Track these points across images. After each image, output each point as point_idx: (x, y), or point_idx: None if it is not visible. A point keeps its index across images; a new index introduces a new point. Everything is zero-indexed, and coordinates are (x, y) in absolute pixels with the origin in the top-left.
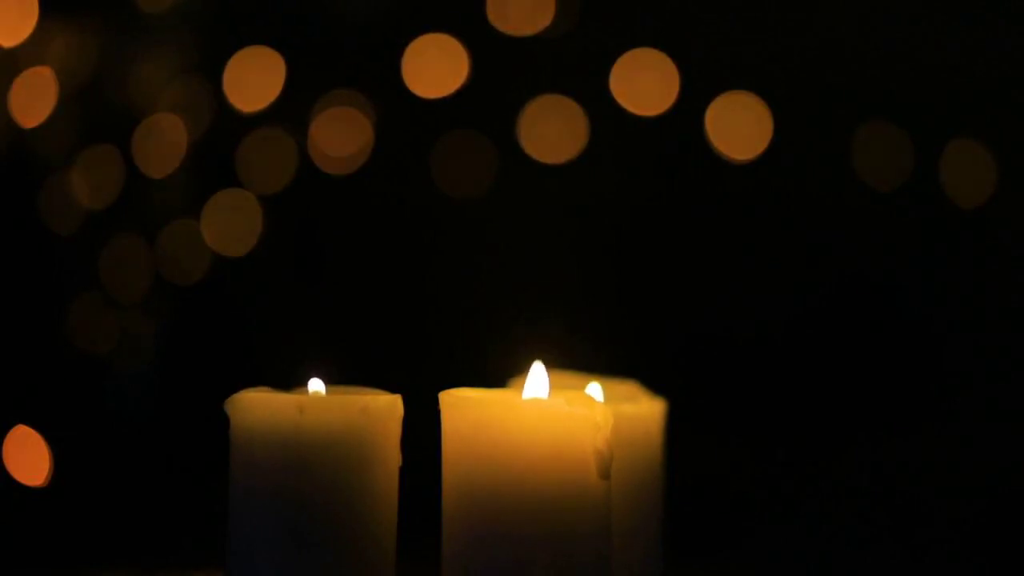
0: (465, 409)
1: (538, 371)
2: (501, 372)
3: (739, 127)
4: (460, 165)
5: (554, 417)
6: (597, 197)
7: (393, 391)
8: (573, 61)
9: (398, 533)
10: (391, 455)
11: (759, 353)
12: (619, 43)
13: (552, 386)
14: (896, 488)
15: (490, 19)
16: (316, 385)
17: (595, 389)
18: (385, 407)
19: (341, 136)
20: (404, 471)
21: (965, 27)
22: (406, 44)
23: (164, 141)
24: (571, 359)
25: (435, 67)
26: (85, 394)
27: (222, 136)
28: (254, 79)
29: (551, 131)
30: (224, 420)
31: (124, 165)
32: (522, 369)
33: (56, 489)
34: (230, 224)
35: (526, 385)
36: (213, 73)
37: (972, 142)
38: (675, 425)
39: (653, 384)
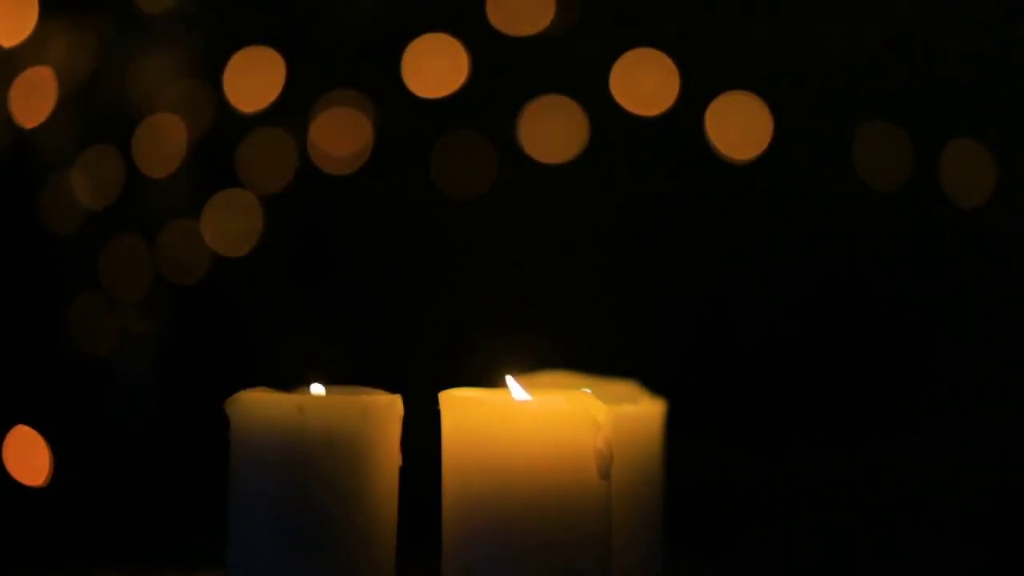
0: (465, 409)
1: (512, 384)
2: (501, 372)
3: (739, 127)
4: (460, 165)
5: (554, 417)
6: (597, 197)
7: (393, 391)
8: (573, 61)
9: (398, 533)
10: (391, 455)
11: (759, 353)
12: (619, 43)
13: (550, 386)
14: (896, 488)
15: (490, 19)
16: (317, 389)
17: (595, 389)
18: (385, 407)
19: (341, 136)
20: (404, 471)
21: (965, 27)
22: (406, 44)
23: (164, 141)
24: (570, 359)
25: (435, 67)
26: (85, 394)
27: (222, 136)
28: (254, 79)
29: (551, 131)
30: (224, 420)
31: (124, 165)
32: (522, 369)
33: (56, 489)
34: (230, 224)
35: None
36: (213, 73)
37: (972, 142)
38: (675, 425)
39: (653, 384)
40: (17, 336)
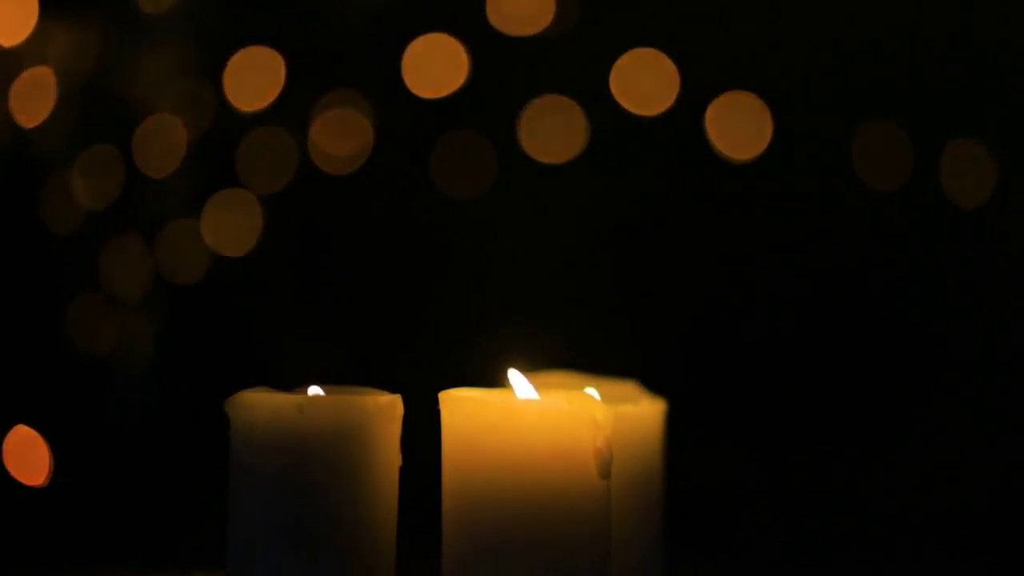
0: (465, 409)
1: (516, 377)
2: (500, 372)
3: (739, 127)
4: (460, 165)
5: (554, 417)
6: (597, 197)
7: (393, 391)
8: (573, 61)
9: (398, 533)
10: (391, 455)
11: (759, 353)
12: (619, 43)
13: (550, 386)
14: (895, 488)
15: (490, 19)
16: (314, 391)
17: (594, 389)
18: (385, 407)
19: (341, 136)
20: (404, 471)
21: (966, 27)
22: (406, 44)
23: (164, 141)
24: (570, 359)
25: (435, 67)
26: (85, 394)
27: (222, 136)
28: (254, 79)
29: (551, 131)
30: (224, 420)
31: (124, 165)
32: (522, 369)
33: (56, 489)
34: (230, 224)
35: (514, 390)
36: (213, 73)
37: (972, 142)
38: (675, 425)
39: (653, 384)
40: (17, 336)
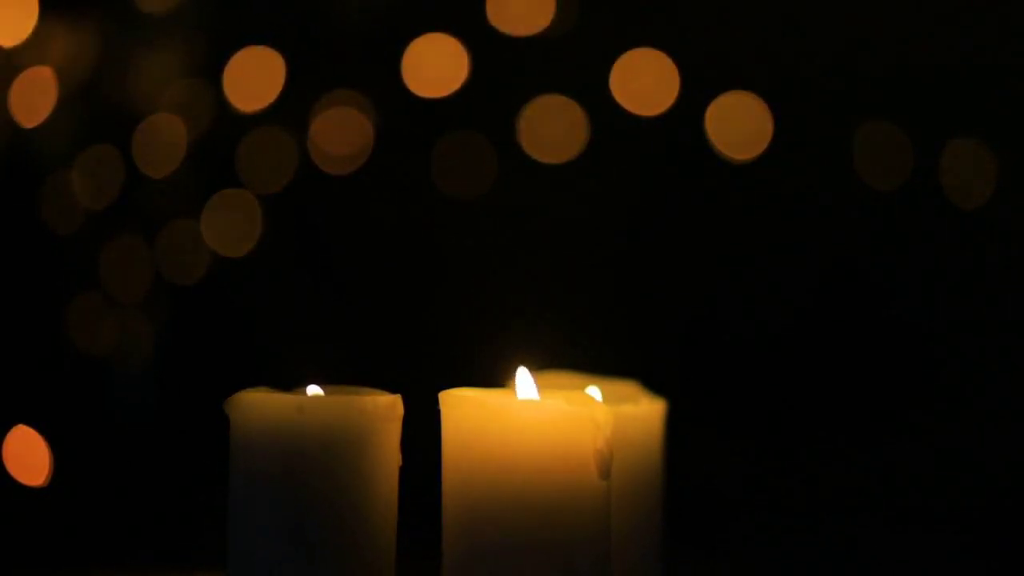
0: (465, 409)
1: (524, 376)
2: (501, 372)
3: (739, 127)
4: (460, 165)
5: (554, 417)
6: (597, 197)
7: (393, 391)
8: (573, 61)
9: (398, 533)
10: (391, 455)
11: (759, 353)
12: (619, 43)
13: (550, 386)
14: (896, 488)
15: (490, 19)
16: (314, 391)
17: (595, 389)
18: (385, 407)
19: (341, 136)
20: (404, 471)
21: (965, 27)
22: (406, 44)
23: (164, 141)
24: (571, 359)
25: (435, 67)
26: (85, 394)
27: (222, 136)
28: (254, 79)
29: (551, 131)
30: (224, 420)
31: (124, 165)
32: (528, 369)
33: (56, 489)
34: (230, 224)
35: (517, 389)
36: (213, 73)
37: (972, 142)
38: (675, 425)
39: (653, 384)
40: (17, 336)
